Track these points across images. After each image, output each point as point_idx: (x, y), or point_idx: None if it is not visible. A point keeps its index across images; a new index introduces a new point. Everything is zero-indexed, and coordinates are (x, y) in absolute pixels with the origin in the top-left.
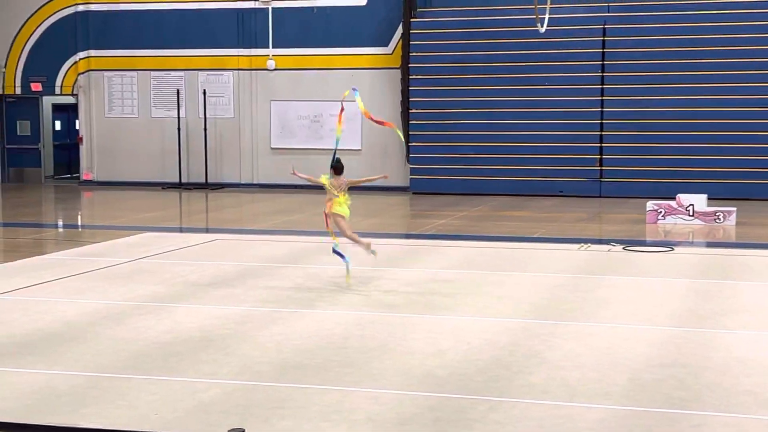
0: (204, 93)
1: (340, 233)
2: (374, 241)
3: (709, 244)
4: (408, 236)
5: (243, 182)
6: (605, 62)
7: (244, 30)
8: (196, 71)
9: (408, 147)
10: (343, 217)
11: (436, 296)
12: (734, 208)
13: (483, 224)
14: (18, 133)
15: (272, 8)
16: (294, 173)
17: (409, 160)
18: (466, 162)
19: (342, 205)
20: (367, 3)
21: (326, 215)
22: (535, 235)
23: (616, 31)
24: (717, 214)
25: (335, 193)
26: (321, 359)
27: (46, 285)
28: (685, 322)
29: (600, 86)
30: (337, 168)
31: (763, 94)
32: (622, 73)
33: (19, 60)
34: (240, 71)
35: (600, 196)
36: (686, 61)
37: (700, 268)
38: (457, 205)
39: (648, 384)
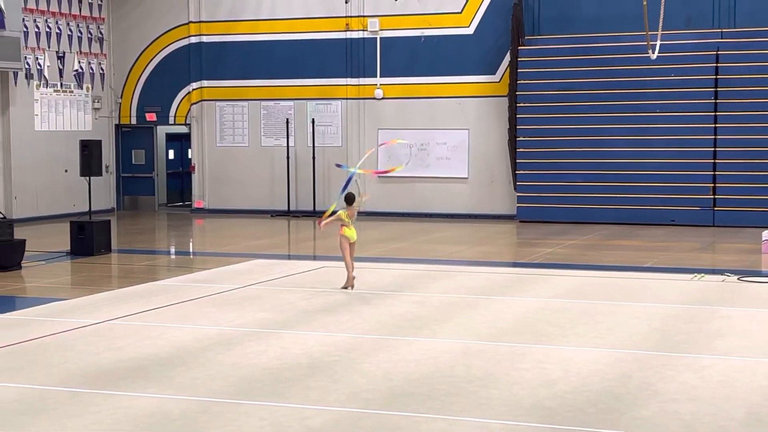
0: (313, 122)
1: (343, 257)
2: (483, 270)
3: None
4: (515, 265)
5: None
6: (718, 89)
7: (352, 59)
8: (305, 101)
9: (515, 175)
10: (353, 243)
11: (544, 326)
12: None
13: (592, 253)
14: (133, 162)
15: (380, 38)
16: (321, 225)
17: (516, 188)
18: (574, 190)
19: (353, 230)
20: (475, 31)
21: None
22: (646, 265)
23: (729, 57)
24: None
25: (349, 221)
26: (428, 387)
27: (159, 310)
28: None
29: (713, 113)
30: (349, 200)
31: None
32: (736, 100)
33: (134, 91)
34: (348, 100)
35: (713, 225)
36: None
37: None
38: (565, 234)
39: (766, 419)
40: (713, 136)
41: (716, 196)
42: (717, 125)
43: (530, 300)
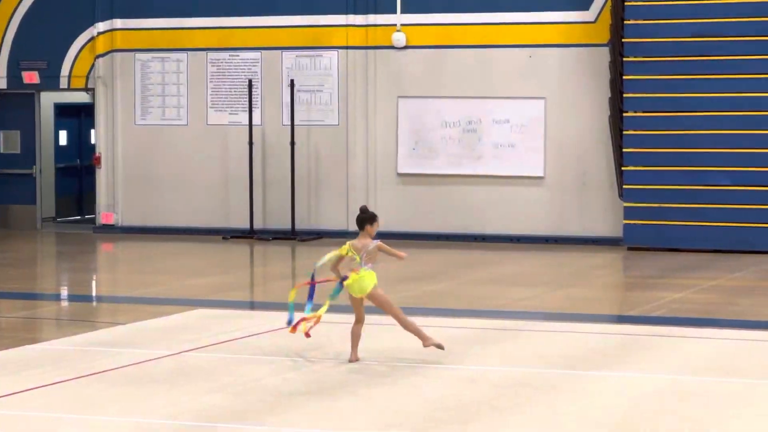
0: (292, 85)
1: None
2: (571, 328)
3: None
4: (622, 319)
5: (352, 230)
6: None
7: None
8: (279, 50)
9: (621, 174)
10: (356, 299)
11: (672, 420)
12: None
13: (747, 301)
14: (1, 151)
15: None
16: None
17: (623, 194)
18: (715, 198)
19: (360, 277)
20: None
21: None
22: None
23: None
24: None
25: (356, 259)
26: None
27: (40, 392)
28: None
29: None
30: (364, 219)
31: None
32: None
33: (4, 37)
34: (349, 50)
35: None
36: None
37: None
38: (703, 269)
39: None
40: None
41: None
42: None
43: (648, 378)
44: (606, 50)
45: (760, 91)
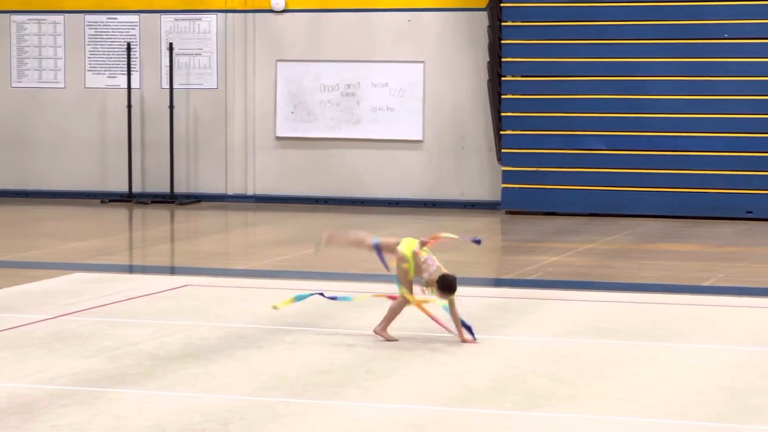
0: (170, 49)
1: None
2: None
3: None
4: (498, 283)
5: (231, 193)
6: None
7: None
8: (158, 14)
9: (500, 137)
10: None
11: (543, 382)
12: None
13: (620, 264)
14: None
15: None
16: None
17: (501, 158)
18: (593, 162)
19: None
20: None
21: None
22: (707, 284)
23: None
24: None
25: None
26: None
27: None
28: None
29: None
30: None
31: None
32: None
33: None
34: (228, 14)
35: None
36: None
37: None
38: (579, 233)
39: None
40: None
41: None
42: None
43: (521, 340)
44: (485, 14)
45: (635, 57)
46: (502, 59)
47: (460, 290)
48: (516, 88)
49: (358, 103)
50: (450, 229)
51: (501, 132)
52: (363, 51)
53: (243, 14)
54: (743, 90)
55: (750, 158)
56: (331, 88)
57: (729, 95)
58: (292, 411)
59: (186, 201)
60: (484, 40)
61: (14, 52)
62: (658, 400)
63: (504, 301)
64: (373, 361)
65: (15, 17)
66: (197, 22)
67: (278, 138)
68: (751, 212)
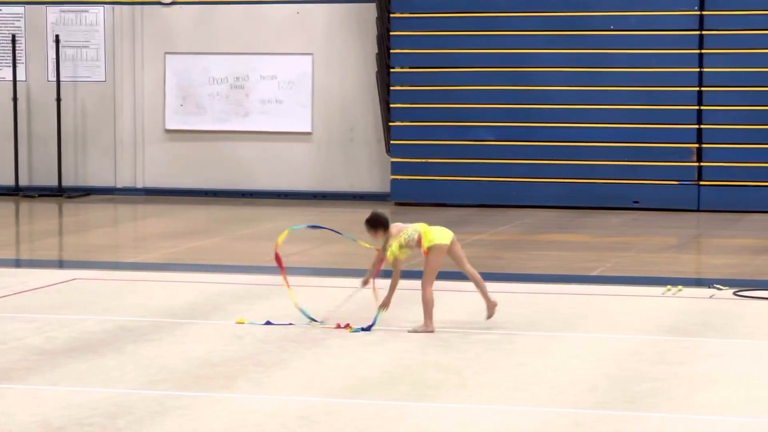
0: (57, 41)
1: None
2: (335, 282)
3: None
4: (387, 274)
5: (120, 186)
6: (704, 12)
7: None
8: (44, 5)
9: (389, 129)
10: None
11: (431, 372)
12: None
13: (510, 255)
14: None
15: None
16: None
17: (390, 150)
18: (481, 153)
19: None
20: None
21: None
22: (594, 273)
23: None
24: None
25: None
26: None
27: None
28: None
29: (698, 31)
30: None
31: None
32: (729, 31)
33: None
34: (115, 6)
35: (698, 210)
36: None
37: None
38: (468, 224)
39: None
40: (698, 68)
41: (702, 164)
42: (703, 50)
43: (396, 332)
44: (373, 6)
45: (524, 48)
46: (391, 51)
47: (352, 282)
48: (405, 79)
49: (247, 96)
50: (339, 222)
51: (390, 123)
52: (252, 43)
53: (131, 6)
54: (629, 81)
55: (636, 149)
56: (220, 81)
57: (615, 86)
58: (181, 404)
59: (74, 194)
60: (372, 32)
61: None
62: (547, 389)
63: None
64: (263, 353)
65: None
66: (84, 14)
67: (167, 131)
68: (637, 202)
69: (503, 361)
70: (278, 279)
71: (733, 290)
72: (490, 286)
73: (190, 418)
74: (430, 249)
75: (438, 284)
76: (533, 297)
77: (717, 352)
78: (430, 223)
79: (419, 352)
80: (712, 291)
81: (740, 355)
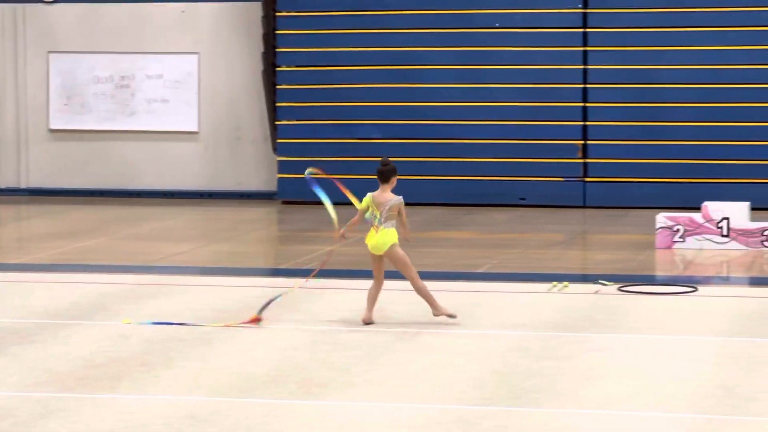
0: None
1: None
2: (224, 282)
3: (754, 282)
4: (275, 273)
5: (2, 187)
6: (588, 10)
7: None
8: None
9: (275, 128)
10: (376, 257)
11: (319, 370)
12: None
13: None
14: None
15: None
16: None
17: (277, 149)
18: (368, 151)
19: (377, 235)
20: None
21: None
22: (481, 270)
23: None
24: (766, 232)
25: (376, 216)
26: None
27: None
28: (716, 406)
29: (582, 29)
30: (384, 172)
31: None
32: (613, 29)
33: None
34: None
35: (584, 206)
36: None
37: (739, 320)
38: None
39: None
40: (582, 65)
41: (588, 160)
42: (588, 48)
43: (300, 329)
44: (259, 5)
45: (409, 46)
46: (277, 49)
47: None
48: (291, 78)
49: (132, 95)
50: (226, 221)
51: (276, 122)
52: (137, 42)
53: (12, 5)
54: (515, 78)
55: (522, 145)
56: (105, 80)
57: (501, 83)
58: (65, 406)
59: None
60: (259, 31)
61: None
62: (434, 386)
63: (280, 290)
64: (149, 354)
65: None
66: None
67: (51, 130)
68: (524, 199)
69: (391, 358)
70: (164, 279)
71: (618, 286)
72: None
73: (74, 420)
74: (392, 247)
75: (329, 283)
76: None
77: (602, 347)
78: (318, 223)
79: (307, 350)
80: (597, 287)
81: (624, 350)
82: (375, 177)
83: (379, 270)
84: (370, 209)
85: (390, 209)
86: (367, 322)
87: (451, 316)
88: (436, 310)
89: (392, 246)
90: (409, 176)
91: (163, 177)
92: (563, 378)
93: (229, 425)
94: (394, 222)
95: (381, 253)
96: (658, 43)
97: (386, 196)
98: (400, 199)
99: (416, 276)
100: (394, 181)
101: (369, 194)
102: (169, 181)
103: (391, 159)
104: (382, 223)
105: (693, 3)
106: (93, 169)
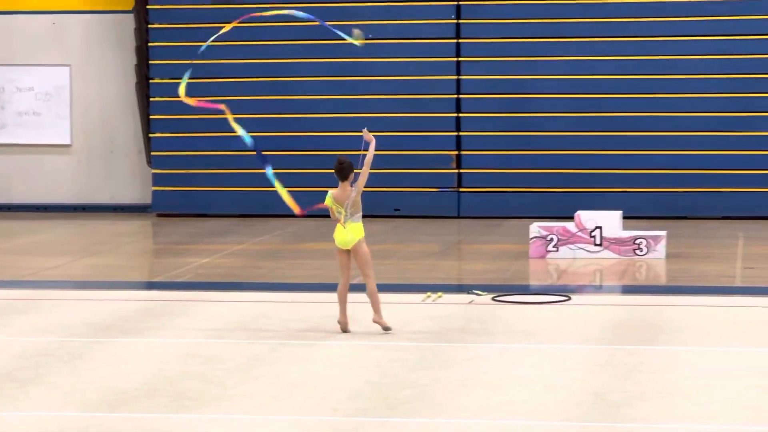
0: None
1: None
2: (97, 296)
3: (626, 290)
4: (149, 285)
5: None
6: (461, 21)
7: None
8: None
9: (149, 141)
10: (344, 255)
11: (193, 382)
12: (664, 233)
13: (271, 264)
14: None
15: None
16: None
17: (151, 161)
18: (242, 164)
19: (345, 230)
20: None
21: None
22: (355, 281)
23: None
24: (638, 241)
25: (341, 213)
26: None
27: None
28: (588, 413)
29: (455, 40)
30: (342, 169)
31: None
32: (486, 39)
33: None
34: None
35: (459, 216)
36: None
37: (612, 328)
38: (230, 234)
39: None
40: (455, 76)
41: (462, 171)
42: (461, 58)
43: (171, 342)
44: (132, 17)
45: (283, 57)
46: (150, 62)
47: (113, 294)
48: (164, 90)
49: (2, 108)
50: (100, 234)
51: (150, 135)
52: (6, 55)
53: None
54: (388, 89)
55: (397, 156)
56: None
57: (374, 95)
58: None
59: None
60: (131, 43)
61: None
62: (308, 398)
63: (154, 304)
64: (20, 370)
65: None
66: None
67: None
68: (398, 210)
69: (265, 370)
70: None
71: (492, 295)
72: (250, 296)
73: None
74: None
75: (195, 295)
76: (294, 306)
77: (476, 357)
78: (193, 236)
79: (179, 362)
80: (471, 296)
81: (498, 359)
82: (253, 189)
83: (346, 267)
84: (335, 207)
85: (353, 203)
86: (345, 328)
87: (386, 329)
88: (377, 316)
89: (360, 241)
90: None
91: (35, 191)
92: (438, 388)
93: None
94: (360, 214)
95: (349, 247)
96: (530, 53)
97: (346, 192)
98: (356, 187)
99: (373, 276)
100: (352, 176)
101: (329, 192)
102: (41, 195)
103: (264, 171)
104: (348, 219)
105: (563, 14)
106: None
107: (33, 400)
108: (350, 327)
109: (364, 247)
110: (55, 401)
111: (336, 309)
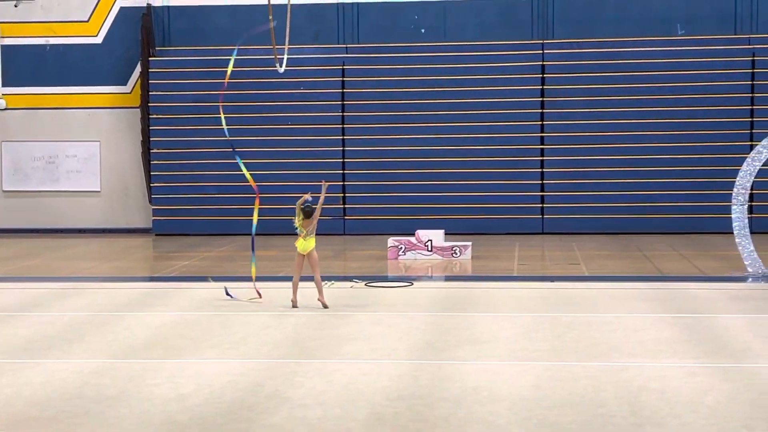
0: None
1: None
2: (116, 285)
3: (447, 278)
4: (151, 279)
5: None
6: (345, 102)
7: None
8: None
9: (150, 187)
10: (300, 256)
11: (178, 339)
12: (470, 243)
13: (228, 264)
14: None
15: (2, 45)
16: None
17: (151, 200)
18: (210, 202)
19: (305, 243)
20: (104, 41)
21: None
22: (279, 274)
23: (354, 72)
24: (454, 248)
25: (303, 231)
26: (53, 411)
27: None
28: (424, 354)
29: (341, 125)
30: (309, 212)
31: (494, 132)
32: (362, 113)
33: None
34: None
35: (344, 234)
36: (426, 102)
37: (438, 302)
38: (202, 246)
39: (387, 417)
40: (341, 148)
41: (346, 206)
42: (345, 137)
43: (165, 314)
44: (138, 110)
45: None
46: (151, 138)
47: (127, 285)
48: (160, 156)
49: (57, 168)
50: (119, 246)
51: (151, 185)
52: (60, 134)
53: None
54: (299, 144)
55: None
56: (39, 159)
57: (291, 147)
58: None
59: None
60: (138, 126)
61: None
62: (251, 348)
63: (154, 290)
64: (68, 332)
65: None
66: None
67: (5, 191)
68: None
69: (224, 331)
70: (79, 285)
71: (365, 282)
72: (215, 285)
73: None
74: (313, 250)
75: (183, 284)
76: (242, 291)
77: (355, 321)
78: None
79: (170, 327)
80: (351, 283)
81: (369, 322)
82: (218, 217)
83: (300, 266)
84: (300, 228)
85: (312, 228)
86: (295, 305)
87: (325, 306)
88: (320, 296)
89: (313, 249)
90: (240, 208)
91: (77, 219)
92: (330, 341)
93: None
94: (314, 233)
95: (306, 253)
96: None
97: (310, 222)
98: (314, 218)
99: (318, 271)
100: (314, 213)
101: (300, 218)
102: (81, 222)
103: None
104: (308, 236)
105: None
106: (33, 216)
107: (76, 352)
108: (294, 305)
109: (316, 254)
110: (91, 353)
111: (284, 293)
